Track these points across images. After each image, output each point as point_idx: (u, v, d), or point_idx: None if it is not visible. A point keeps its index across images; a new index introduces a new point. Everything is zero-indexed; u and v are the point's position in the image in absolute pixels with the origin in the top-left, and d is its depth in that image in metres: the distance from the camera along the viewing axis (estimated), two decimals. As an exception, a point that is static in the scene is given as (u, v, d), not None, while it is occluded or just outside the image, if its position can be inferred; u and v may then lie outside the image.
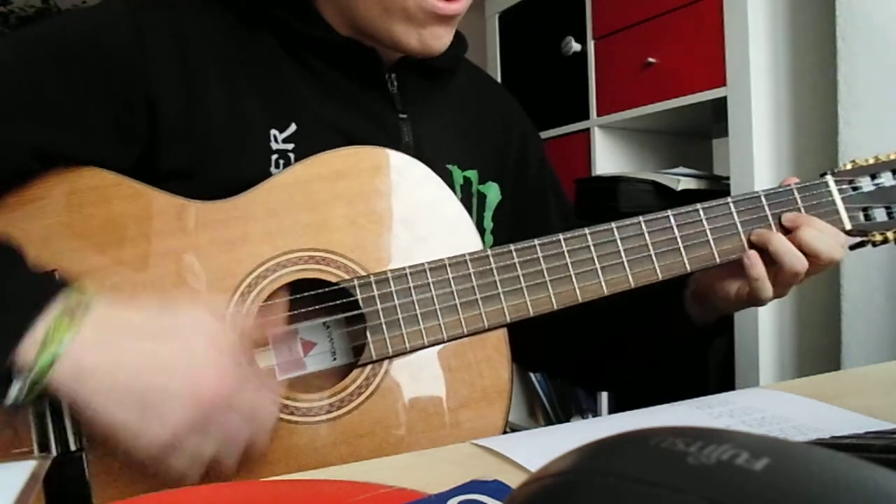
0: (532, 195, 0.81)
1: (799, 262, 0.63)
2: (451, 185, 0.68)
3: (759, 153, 1.33)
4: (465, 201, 0.70)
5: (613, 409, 1.74)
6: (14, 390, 0.46)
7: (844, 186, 0.68)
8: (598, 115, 1.71)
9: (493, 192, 0.76)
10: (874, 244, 0.68)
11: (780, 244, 0.64)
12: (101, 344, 0.48)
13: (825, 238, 0.64)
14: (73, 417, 0.51)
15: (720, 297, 0.68)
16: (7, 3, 3.82)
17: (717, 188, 1.53)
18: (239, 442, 0.51)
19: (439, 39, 0.64)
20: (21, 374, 0.46)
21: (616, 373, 0.82)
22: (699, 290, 0.71)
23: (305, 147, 0.62)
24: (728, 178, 1.41)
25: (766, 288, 0.64)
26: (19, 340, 0.46)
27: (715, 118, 1.55)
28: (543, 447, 0.48)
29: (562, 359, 0.85)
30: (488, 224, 0.75)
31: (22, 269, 0.52)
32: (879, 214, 0.68)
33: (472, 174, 0.74)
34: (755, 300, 0.66)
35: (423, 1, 0.60)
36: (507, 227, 0.76)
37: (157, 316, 0.51)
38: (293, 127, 0.63)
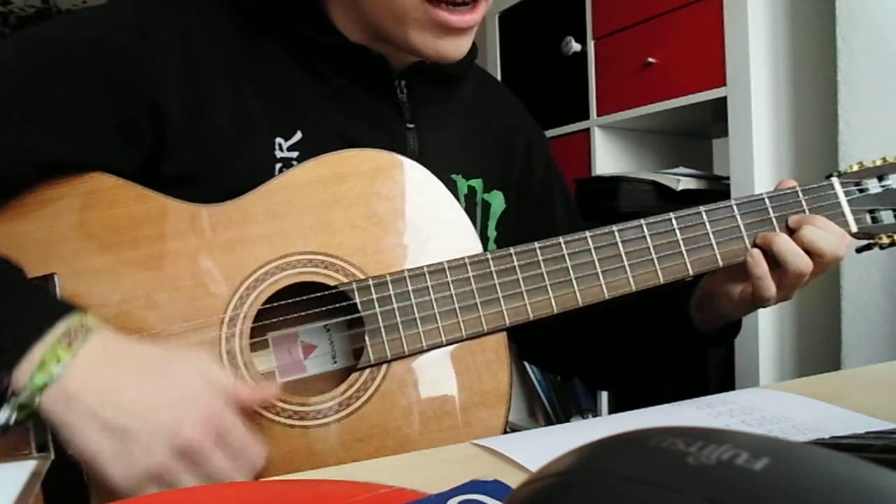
0: (537, 203, 0.81)
1: (803, 263, 0.63)
2: (455, 195, 0.68)
3: (759, 153, 1.33)
4: (469, 210, 0.70)
5: (613, 409, 1.74)
6: (3, 413, 0.47)
7: (850, 188, 0.67)
8: (598, 115, 1.71)
9: (497, 201, 0.76)
10: (881, 247, 0.67)
11: (784, 244, 0.63)
12: (94, 372, 0.48)
13: (828, 236, 0.63)
14: None
15: (724, 299, 0.68)
16: (7, 3, 3.82)
17: (717, 188, 1.53)
18: (217, 480, 0.50)
19: (457, 49, 0.62)
20: (13, 397, 0.47)
21: (619, 372, 0.82)
22: (704, 294, 0.70)
23: (310, 155, 0.61)
24: (728, 178, 1.41)
25: (770, 287, 0.64)
26: (16, 363, 0.46)
27: (715, 118, 1.55)
28: (543, 447, 0.48)
29: (567, 357, 0.85)
30: (492, 233, 0.75)
31: (24, 291, 0.52)
32: (886, 217, 0.67)
33: (477, 183, 0.74)
34: (759, 301, 0.65)
35: (434, 14, 0.59)
36: (511, 236, 0.75)
37: (156, 354, 0.51)
38: (298, 135, 0.63)
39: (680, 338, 0.72)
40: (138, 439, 0.48)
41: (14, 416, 0.47)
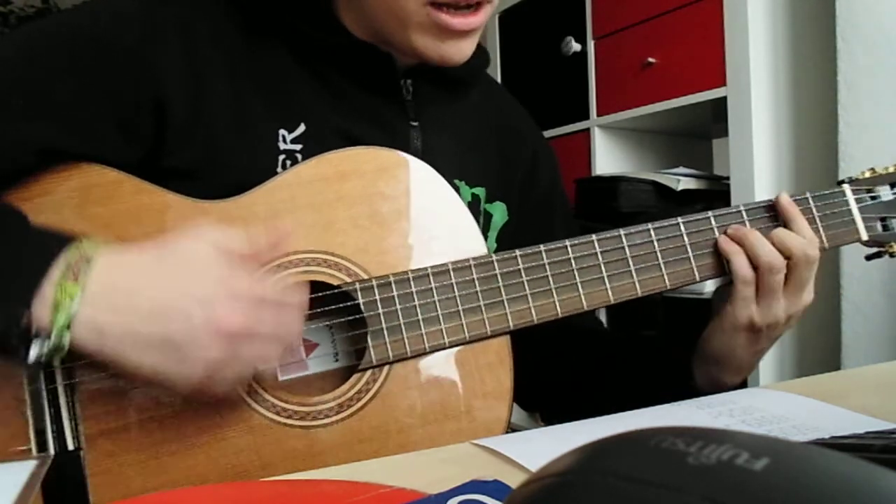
0: (536, 215, 0.80)
1: (774, 258, 0.62)
2: None
3: (758, 153, 1.33)
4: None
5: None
6: (34, 349, 0.47)
7: (862, 195, 0.66)
8: (598, 115, 1.71)
9: (499, 213, 0.75)
10: (892, 255, 0.66)
11: (755, 239, 0.62)
12: (112, 296, 0.48)
13: (798, 237, 0.63)
14: (72, 417, 0.52)
15: (717, 338, 0.66)
16: (7, 3, 3.82)
17: (717, 188, 1.53)
18: (272, 357, 0.52)
19: (460, 52, 0.62)
20: (39, 337, 0.47)
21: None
22: (710, 349, 0.68)
23: (313, 149, 0.61)
24: (728, 178, 1.41)
25: (745, 275, 0.63)
26: (29, 305, 0.46)
27: (715, 118, 1.55)
28: (543, 447, 0.48)
29: (558, 403, 0.84)
30: (492, 244, 0.74)
31: (20, 229, 0.51)
32: None
33: (481, 192, 0.73)
34: (739, 311, 0.63)
35: (437, 17, 0.59)
36: (509, 248, 0.75)
37: (158, 253, 0.51)
38: (302, 127, 0.62)
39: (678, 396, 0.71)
40: (184, 341, 0.48)
41: (45, 354, 0.47)
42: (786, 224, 0.64)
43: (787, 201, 0.65)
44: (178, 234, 0.52)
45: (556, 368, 0.80)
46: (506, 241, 0.75)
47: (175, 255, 0.51)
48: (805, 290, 0.64)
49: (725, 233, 0.64)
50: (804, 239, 0.63)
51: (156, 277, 0.50)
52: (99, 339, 0.47)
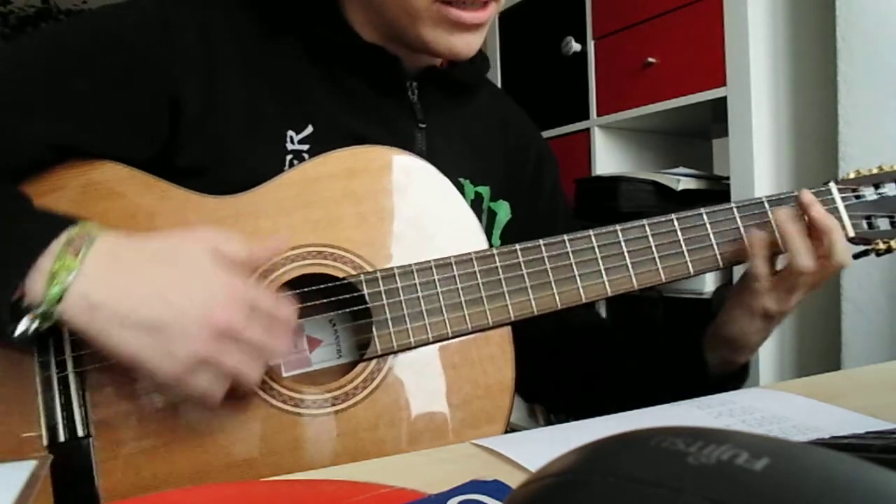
0: (542, 218, 0.81)
1: (809, 260, 0.62)
2: None
3: (758, 153, 1.33)
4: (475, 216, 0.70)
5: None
6: (23, 324, 0.47)
7: (847, 194, 0.68)
8: (598, 115, 1.71)
9: (503, 211, 0.77)
10: (878, 253, 0.68)
11: (799, 234, 0.63)
12: (109, 275, 0.49)
13: (844, 243, 0.63)
14: (82, 404, 0.52)
15: (730, 319, 0.67)
16: (7, 3, 3.82)
17: (717, 188, 1.53)
18: (256, 358, 0.51)
19: (468, 46, 0.64)
20: (30, 309, 0.47)
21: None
22: (725, 334, 0.69)
23: (320, 149, 0.62)
24: (728, 178, 1.41)
25: (761, 264, 0.63)
26: (24, 276, 0.47)
27: (715, 118, 1.55)
28: (543, 447, 0.48)
29: (568, 397, 0.85)
30: (496, 242, 0.75)
31: (27, 209, 0.52)
32: (882, 223, 0.68)
33: (484, 190, 0.74)
34: (758, 288, 0.64)
35: (447, 11, 0.60)
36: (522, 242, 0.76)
37: (162, 243, 0.52)
38: (310, 128, 0.63)
39: (691, 384, 0.69)
40: (173, 329, 0.48)
41: (34, 326, 0.47)
42: (812, 221, 0.63)
43: (810, 199, 0.64)
44: (180, 233, 0.53)
45: (563, 363, 0.80)
46: (510, 238, 0.76)
47: (176, 252, 0.51)
48: (820, 285, 0.65)
49: (775, 224, 0.64)
50: (846, 246, 0.63)
51: (156, 266, 0.50)
52: (89, 315, 0.47)
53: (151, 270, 0.50)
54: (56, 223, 0.50)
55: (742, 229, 0.66)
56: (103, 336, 0.48)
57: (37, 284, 0.47)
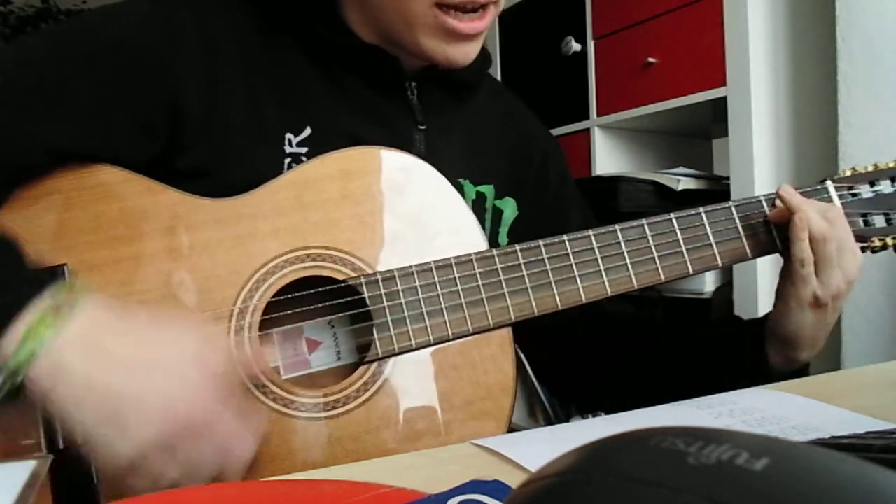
0: (551, 212, 0.80)
1: (825, 226, 0.63)
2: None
3: (758, 153, 1.33)
4: (478, 216, 0.70)
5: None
6: None
7: (843, 192, 0.68)
8: (598, 115, 1.71)
9: (509, 208, 0.76)
10: (874, 250, 0.69)
11: (805, 205, 0.63)
12: (83, 346, 0.47)
13: (821, 204, 0.65)
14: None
15: (785, 312, 0.67)
16: (7, 3, 3.82)
17: (717, 188, 1.53)
18: (204, 473, 0.49)
19: (465, 55, 0.64)
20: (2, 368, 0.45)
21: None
22: (781, 333, 0.68)
23: (318, 151, 0.62)
24: (728, 178, 1.41)
25: (805, 248, 0.63)
26: (0, 333, 0.45)
27: (715, 118, 1.55)
28: (543, 447, 0.48)
29: (621, 397, 0.84)
30: (503, 239, 0.75)
31: (14, 262, 0.51)
32: (878, 221, 0.68)
33: (488, 189, 0.74)
34: (805, 275, 0.64)
35: (444, 20, 0.60)
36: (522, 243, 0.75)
37: (146, 326, 0.50)
38: (308, 130, 0.63)
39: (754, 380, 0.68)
40: (134, 411, 0.46)
41: (1, 388, 0.45)
42: (792, 212, 0.64)
43: (789, 192, 0.66)
44: (167, 323, 0.51)
45: (600, 357, 0.79)
46: (518, 235, 0.75)
47: (159, 334, 0.50)
48: (849, 250, 0.65)
49: (787, 213, 0.65)
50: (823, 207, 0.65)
51: (132, 344, 0.49)
52: (53, 381, 0.46)
53: (127, 352, 0.48)
54: (41, 281, 0.48)
55: (740, 228, 0.66)
56: (61, 404, 0.46)
57: (9, 345, 0.45)
